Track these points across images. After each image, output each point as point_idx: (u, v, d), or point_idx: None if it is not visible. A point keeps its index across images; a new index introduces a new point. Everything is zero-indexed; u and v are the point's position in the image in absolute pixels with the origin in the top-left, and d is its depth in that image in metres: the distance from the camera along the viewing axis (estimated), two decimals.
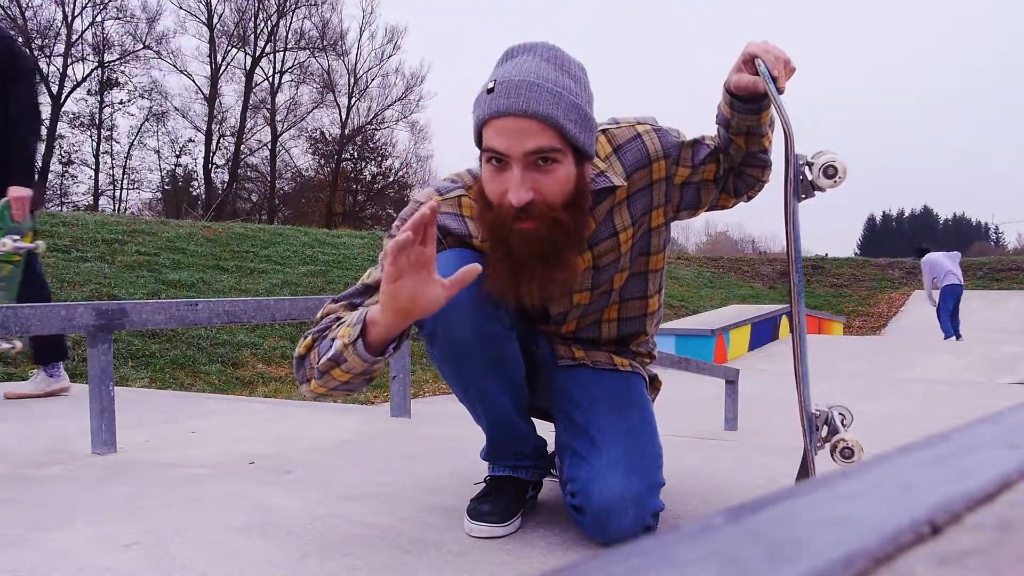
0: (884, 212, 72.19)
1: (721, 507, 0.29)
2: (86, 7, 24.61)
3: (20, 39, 22.38)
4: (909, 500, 0.29)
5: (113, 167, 27.26)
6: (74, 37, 24.57)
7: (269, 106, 28.25)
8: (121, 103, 26.41)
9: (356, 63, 28.98)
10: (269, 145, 28.38)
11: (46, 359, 3.45)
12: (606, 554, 0.25)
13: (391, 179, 29.66)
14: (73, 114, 25.53)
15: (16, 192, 2.98)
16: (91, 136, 26.12)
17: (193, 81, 27.23)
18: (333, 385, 1.31)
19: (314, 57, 28.16)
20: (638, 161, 1.45)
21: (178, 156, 28.60)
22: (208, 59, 26.91)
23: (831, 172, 1.35)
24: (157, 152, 28.32)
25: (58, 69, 24.51)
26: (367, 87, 29.19)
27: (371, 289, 1.37)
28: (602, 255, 1.47)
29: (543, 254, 1.30)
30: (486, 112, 1.27)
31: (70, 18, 24.41)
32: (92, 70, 25.42)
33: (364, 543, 1.40)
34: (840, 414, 1.38)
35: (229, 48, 27.34)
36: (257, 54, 27.49)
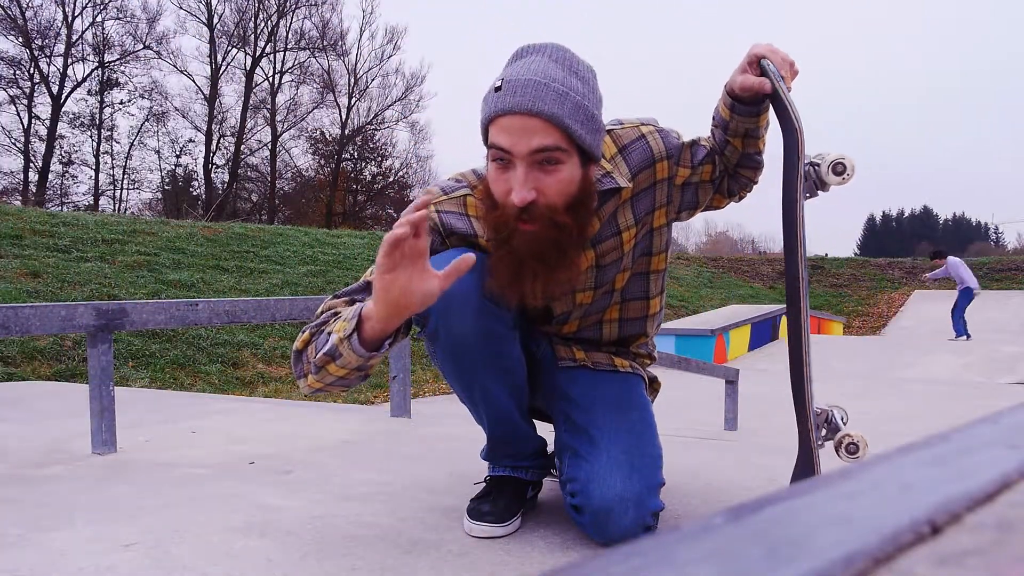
0: (884, 212, 72.24)
1: (721, 507, 0.29)
2: (86, 7, 24.64)
3: (21, 39, 22.46)
4: (909, 500, 0.29)
5: (113, 167, 27.30)
6: (74, 37, 24.58)
7: (269, 106, 28.27)
8: (121, 103, 26.45)
9: (356, 63, 29.01)
10: (269, 145, 28.40)
11: None
12: (606, 554, 0.25)
13: (391, 179, 29.68)
14: (73, 114, 25.58)
15: None
16: (91, 136, 26.15)
17: (193, 81, 27.28)
18: (329, 380, 1.30)
19: (314, 57, 28.18)
20: (643, 162, 1.45)
21: (178, 156, 28.63)
22: (208, 59, 26.93)
23: (839, 169, 1.35)
24: (157, 152, 28.37)
25: (58, 69, 24.55)
26: (367, 87, 29.23)
27: (372, 286, 1.37)
28: (605, 254, 1.48)
29: (545, 255, 1.30)
30: (492, 110, 1.27)
31: (70, 18, 24.44)
32: (92, 70, 25.45)
33: (364, 543, 1.40)
34: (840, 413, 1.38)
35: (229, 48, 27.36)
36: (257, 54, 27.50)
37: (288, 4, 27.40)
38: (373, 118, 29.46)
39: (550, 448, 1.64)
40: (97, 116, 26.01)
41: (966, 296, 12.06)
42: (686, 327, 10.25)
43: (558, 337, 1.59)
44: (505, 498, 1.50)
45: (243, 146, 27.78)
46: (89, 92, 25.72)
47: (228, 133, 28.14)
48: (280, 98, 28.40)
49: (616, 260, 1.49)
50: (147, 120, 27.00)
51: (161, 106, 27.07)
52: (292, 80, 28.56)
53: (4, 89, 23.72)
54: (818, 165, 1.38)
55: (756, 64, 1.37)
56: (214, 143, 27.69)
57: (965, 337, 12.05)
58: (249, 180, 29.12)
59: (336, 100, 28.91)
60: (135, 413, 2.92)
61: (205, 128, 27.41)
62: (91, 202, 25.76)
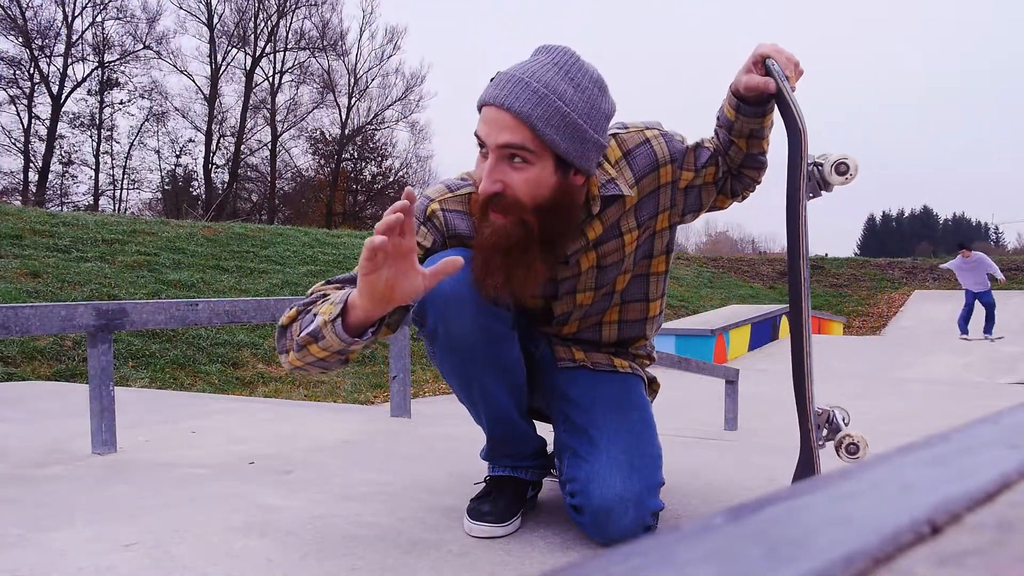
0: (884, 212, 72.24)
1: (721, 507, 0.29)
2: (86, 7, 24.64)
3: (21, 39, 22.45)
4: (909, 500, 0.29)
5: (113, 167, 27.29)
6: (74, 37, 24.58)
7: (269, 106, 28.26)
8: (121, 103, 26.44)
9: (356, 63, 29.01)
10: (269, 145, 28.40)
11: None
12: (606, 554, 0.25)
13: (391, 179, 29.65)
14: (73, 114, 25.57)
15: None
16: (91, 136, 26.14)
17: (193, 81, 27.27)
18: (310, 360, 1.31)
19: (314, 57, 28.18)
20: (647, 166, 1.46)
21: (178, 156, 28.63)
22: (208, 59, 26.93)
23: (843, 169, 1.36)
24: (157, 152, 28.36)
25: (58, 69, 24.55)
26: (367, 87, 29.22)
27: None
28: (606, 255, 1.48)
29: (506, 249, 1.31)
30: (480, 99, 1.31)
31: (70, 18, 24.44)
32: (92, 70, 25.45)
33: (364, 543, 1.40)
34: (841, 414, 1.38)
35: (229, 48, 27.35)
36: (257, 54, 27.50)
37: (288, 4, 27.40)
38: (373, 118, 29.48)
39: (550, 448, 1.64)
40: (97, 116, 26.01)
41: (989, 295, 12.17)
42: (686, 327, 10.25)
43: (557, 338, 1.59)
44: (505, 498, 1.50)
45: (243, 146, 27.79)
46: (89, 92, 25.74)
47: (228, 133, 28.17)
48: (280, 98, 28.44)
49: (617, 262, 1.49)
50: (147, 120, 27.02)
51: (161, 106, 27.09)
52: (292, 80, 28.58)
53: (4, 89, 23.75)
54: (821, 165, 1.38)
55: (761, 64, 1.37)
56: (214, 143, 27.70)
57: (967, 336, 12.13)
58: (249, 180, 29.12)
59: (336, 100, 28.93)
60: (135, 413, 2.92)
61: (205, 128, 27.42)
62: (91, 202, 25.77)
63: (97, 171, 26.34)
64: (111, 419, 2.23)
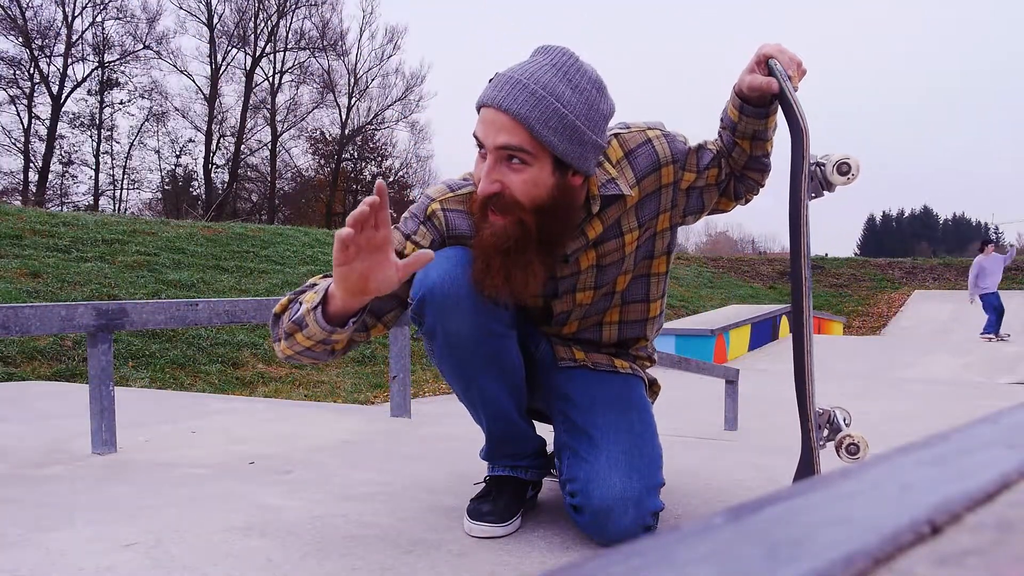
0: (884, 212, 72.27)
1: (721, 507, 0.29)
2: (86, 7, 24.63)
3: (21, 39, 22.44)
4: (909, 500, 0.29)
5: (113, 167, 27.30)
6: (74, 37, 24.58)
7: (269, 106, 28.26)
8: (121, 103, 26.44)
9: (356, 63, 29.01)
10: (269, 145, 28.40)
11: None
12: (606, 554, 0.25)
13: (391, 179, 29.64)
14: (73, 114, 25.57)
15: None
16: (91, 136, 26.14)
17: (193, 81, 27.28)
18: (298, 349, 1.35)
19: (314, 57, 28.18)
20: (649, 166, 1.45)
21: (178, 156, 28.63)
22: (208, 59, 26.93)
23: (844, 169, 1.35)
24: (157, 152, 28.37)
25: (58, 69, 24.55)
26: (367, 87, 29.22)
27: None
28: (606, 254, 1.48)
29: (505, 249, 1.31)
30: (479, 100, 1.32)
31: (70, 18, 24.43)
32: (92, 70, 25.45)
33: (364, 543, 1.40)
34: (842, 414, 1.38)
35: (229, 48, 27.36)
36: (257, 54, 27.50)
37: (288, 4, 27.40)
38: (373, 118, 29.48)
39: (550, 448, 1.63)
40: (97, 116, 26.01)
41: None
42: (686, 327, 10.24)
43: (558, 338, 1.58)
44: (505, 498, 1.50)
45: (243, 146, 27.79)
46: (89, 92, 25.73)
47: (228, 133, 28.17)
48: (280, 98, 28.43)
49: (617, 261, 1.49)
50: (147, 120, 27.02)
51: (161, 106, 27.09)
52: (292, 80, 28.58)
53: (4, 89, 23.74)
54: (823, 165, 1.38)
55: (764, 64, 1.37)
56: (214, 143, 27.70)
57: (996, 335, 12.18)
58: (249, 180, 29.12)
59: (336, 100, 28.93)
60: (135, 413, 2.92)
61: (205, 128, 27.42)
62: (91, 202, 25.76)
63: (97, 171, 26.36)
64: (111, 419, 2.23)
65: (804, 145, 1.34)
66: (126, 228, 10.17)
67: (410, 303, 1.37)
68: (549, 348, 1.58)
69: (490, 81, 1.31)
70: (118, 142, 27.46)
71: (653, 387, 1.70)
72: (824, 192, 1.39)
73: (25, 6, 23.20)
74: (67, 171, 26.09)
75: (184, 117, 27.65)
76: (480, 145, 1.32)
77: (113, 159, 27.20)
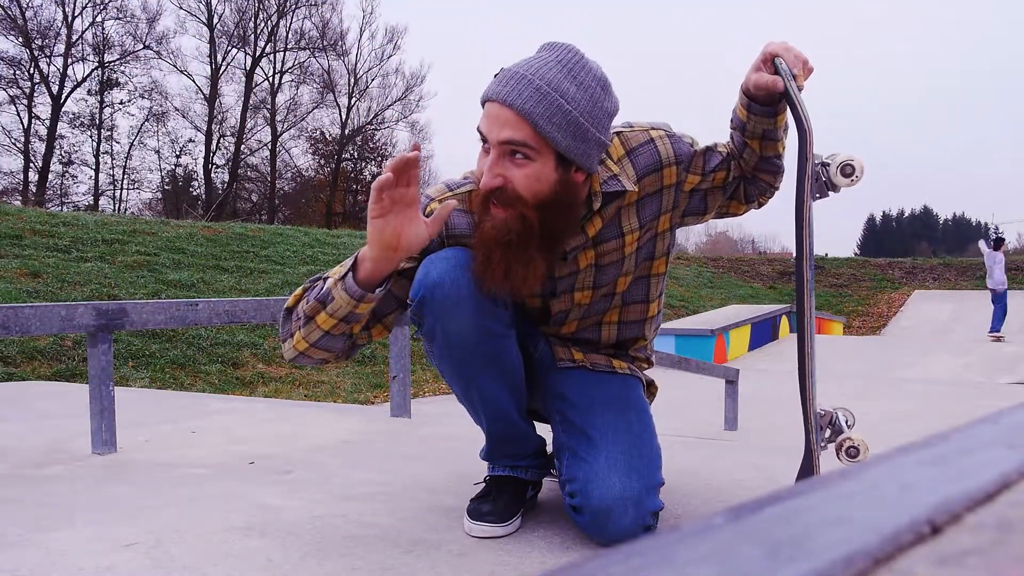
0: (884, 212, 72.28)
1: (721, 507, 0.29)
2: (86, 7, 24.64)
3: (21, 39, 22.44)
4: (909, 500, 0.29)
5: (113, 167, 27.30)
6: (74, 37, 24.58)
7: (269, 106, 28.27)
8: (121, 103, 26.45)
9: (356, 63, 29.02)
10: (269, 145, 28.40)
11: None
12: (606, 554, 0.25)
13: None
14: (73, 114, 25.57)
15: None
16: (91, 136, 26.15)
17: (193, 81, 27.28)
18: (315, 337, 1.36)
19: (314, 57, 28.18)
20: (649, 165, 1.45)
21: (178, 156, 28.64)
22: (208, 59, 26.94)
23: (848, 171, 1.35)
24: (157, 152, 28.37)
25: (58, 69, 24.55)
26: (367, 87, 29.23)
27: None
28: (605, 254, 1.47)
29: (505, 242, 1.31)
30: (484, 94, 1.33)
31: (70, 18, 24.44)
32: (92, 70, 25.45)
33: (364, 543, 1.40)
34: (844, 415, 1.38)
35: (229, 48, 27.36)
36: (257, 54, 27.50)
37: (288, 4, 27.41)
38: (373, 118, 29.48)
39: (549, 448, 1.63)
40: (97, 116, 26.01)
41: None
42: (686, 327, 10.24)
43: (556, 338, 1.58)
44: (505, 498, 1.50)
45: (243, 146, 27.79)
46: (89, 92, 25.74)
47: (228, 133, 28.17)
48: (280, 98, 28.44)
49: (616, 261, 1.49)
50: (147, 120, 27.03)
51: (161, 106, 27.10)
52: (292, 80, 28.59)
53: (4, 89, 23.75)
54: (828, 166, 1.37)
55: (770, 62, 1.36)
56: (214, 143, 27.70)
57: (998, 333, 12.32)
58: (249, 180, 29.12)
59: (336, 100, 28.94)
60: (135, 413, 2.92)
61: (205, 128, 27.42)
62: (91, 202, 25.76)
63: (97, 171, 26.36)
64: (111, 419, 2.23)
65: (807, 145, 1.34)
66: (126, 228, 10.17)
67: (410, 304, 1.37)
68: (548, 348, 1.58)
69: (495, 76, 1.31)
70: (118, 142, 27.50)
71: (650, 388, 1.70)
72: (829, 193, 1.39)
73: (25, 6, 23.21)
74: (67, 171, 26.12)
75: (184, 117, 27.69)
76: (484, 139, 1.32)
77: (113, 159, 27.23)
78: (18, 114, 24.45)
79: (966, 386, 7.89)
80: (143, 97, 26.51)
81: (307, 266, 10.40)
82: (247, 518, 1.55)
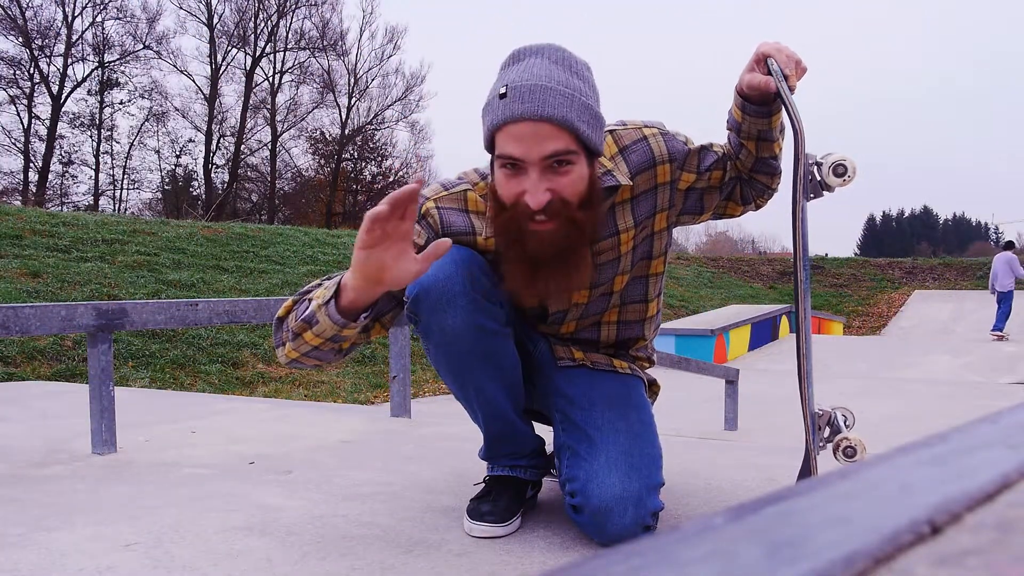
0: (884, 212, 72.26)
1: (721, 507, 0.29)
2: (86, 7, 24.62)
3: (21, 39, 22.44)
4: (909, 500, 0.29)
5: (113, 167, 27.28)
6: (74, 37, 24.57)
7: (269, 106, 28.25)
8: (121, 103, 26.43)
9: (356, 63, 29.00)
10: (269, 145, 28.38)
11: None
12: (606, 554, 0.25)
13: (391, 179, 29.64)
14: (73, 114, 25.56)
15: None
16: (91, 136, 26.13)
17: (193, 81, 27.26)
18: (305, 350, 1.34)
19: (314, 57, 28.16)
20: (642, 163, 1.45)
21: (178, 156, 28.62)
22: (208, 59, 26.92)
23: (840, 171, 1.35)
24: (157, 152, 28.35)
25: (58, 69, 24.54)
26: (367, 87, 29.21)
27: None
28: (600, 253, 1.47)
29: (560, 254, 1.31)
30: (501, 117, 1.26)
31: (70, 18, 24.43)
32: (92, 70, 25.44)
33: (364, 543, 1.40)
34: (843, 415, 1.38)
35: (229, 48, 27.34)
36: (257, 54, 27.49)
37: (288, 4, 27.39)
38: (373, 118, 29.47)
39: (549, 448, 1.63)
40: (97, 116, 26.00)
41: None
42: (686, 327, 10.24)
43: (556, 337, 1.58)
44: (505, 498, 1.50)
45: (243, 146, 27.78)
46: (89, 92, 25.72)
47: (228, 133, 28.15)
48: (280, 98, 28.42)
49: (612, 260, 1.49)
50: (147, 120, 27.01)
51: (161, 106, 27.08)
52: (292, 80, 28.57)
53: (4, 89, 23.74)
54: (821, 166, 1.37)
55: (763, 62, 1.36)
56: (214, 143, 27.69)
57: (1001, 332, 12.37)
58: (249, 180, 29.11)
59: (336, 100, 28.92)
60: (135, 413, 2.92)
61: (205, 128, 27.41)
62: (91, 202, 25.76)
63: (97, 171, 26.35)
64: (111, 419, 2.23)
65: (799, 145, 1.34)
66: (126, 228, 10.17)
67: (405, 301, 1.37)
68: (547, 348, 1.57)
69: (503, 97, 1.26)
70: (118, 142, 27.49)
71: (652, 387, 1.70)
72: (824, 192, 1.39)
73: (25, 6, 23.20)
74: (67, 171, 26.10)
75: (184, 117, 27.66)
76: (512, 163, 1.28)
77: (113, 159, 27.22)
78: (18, 114, 24.46)
79: (966, 386, 7.89)
80: (143, 97, 26.52)
81: (307, 266, 10.40)
82: (247, 518, 1.55)
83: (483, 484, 1.58)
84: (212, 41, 26.83)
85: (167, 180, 29.01)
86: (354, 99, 28.95)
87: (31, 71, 24.13)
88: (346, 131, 29.06)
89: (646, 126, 1.48)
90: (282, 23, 27.61)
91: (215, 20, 26.90)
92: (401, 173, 29.84)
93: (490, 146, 1.32)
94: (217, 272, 9.25)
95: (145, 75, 26.46)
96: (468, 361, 1.39)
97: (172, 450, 2.29)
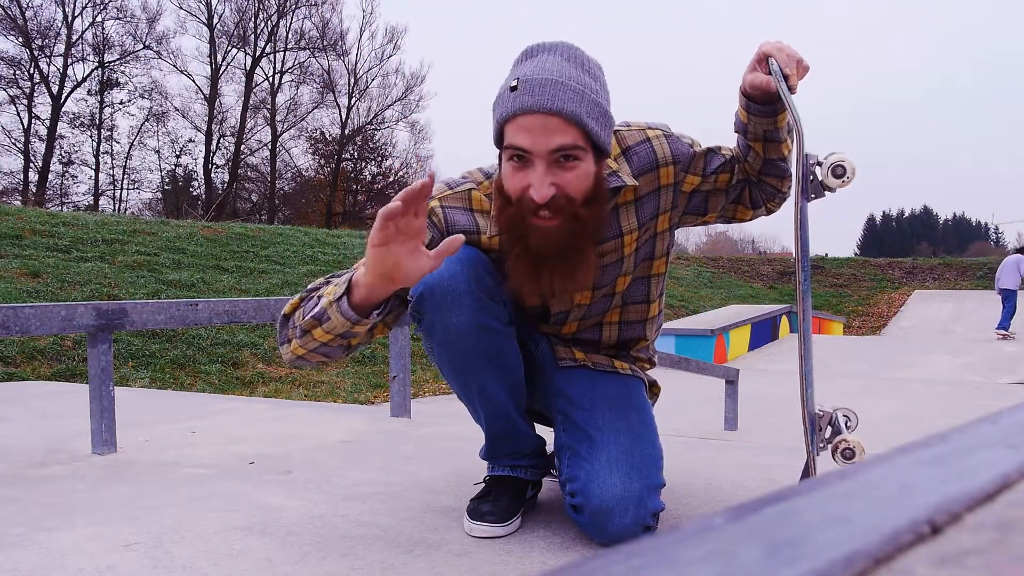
0: (884, 212, 72.26)
1: (721, 507, 0.29)
2: (86, 7, 24.63)
3: (21, 39, 22.44)
4: (909, 500, 0.29)
5: (113, 167, 27.29)
6: (74, 37, 24.58)
7: (269, 106, 28.26)
8: (121, 103, 26.44)
9: (356, 63, 29.01)
10: (269, 145, 28.39)
11: None
12: (606, 554, 0.25)
13: (391, 179, 29.64)
14: (73, 114, 25.57)
15: None
16: (91, 136, 26.14)
17: (193, 81, 27.28)
18: (312, 347, 1.33)
19: (314, 57, 28.17)
20: (645, 165, 1.45)
21: (178, 156, 28.63)
22: (208, 59, 26.93)
23: (839, 172, 1.35)
24: (157, 152, 28.36)
25: (58, 69, 24.55)
26: (367, 87, 29.22)
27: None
28: (604, 254, 1.47)
29: (563, 250, 1.31)
30: (511, 109, 1.27)
31: (70, 18, 24.44)
32: (92, 70, 25.45)
33: (364, 543, 1.40)
34: (844, 416, 1.37)
35: (229, 48, 27.35)
36: (257, 54, 27.49)
37: (288, 4, 27.40)
38: (373, 118, 29.47)
39: (549, 448, 1.63)
40: (97, 116, 26.01)
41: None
42: (686, 327, 10.24)
43: (557, 338, 1.58)
44: (505, 498, 1.50)
45: (243, 146, 27.79)
46: (89, 92, 25.73)
47: (228, 133, 28.16)
48: (280, 98, 28.43)
49: (616, 261, 1.49)
50: (147, 120, 27.02)
51: (161, 106, 27.09)
52: (292, 80, 28.58)
53: (4, 89, 23.75)
54: (820, 166, 1.37)
55: (765, 62, 1.36)
56: (214, 143, 27.70)
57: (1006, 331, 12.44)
58: (249, 180, 29.11)
59: (336, 100, 28.92)
60: (135, 413, 2.92)
61: (205, 128, 27.42)
62: (91, 202, 25.76)
63: (97, 171, 26.36)
64: (111, 419, 2.23)
65: (799, 145, 1.34)
66: (126, 228, 10.17)
67: (409, 300, 1.37)
68: (549, 348, 1.57)
69: (514, 89, 1.27)
70: (118, 142, 27.50)
71: (653, 388, 1.70)
72: (824, 193, 1.39)
73: (25, 6, 23.21)
74: (67, 171, 26.12)
75: (184, 117, 27.68)
76: (520, 155, 1.28)
77: (113, 159, 27.22)
78: (18, 114, 24.47)
79: (966, 386, 7.89)
80: (143, 97, 26.53)
81: (307, 266, 10.40)
82: (247, 518, 1.55)
83: (483, 484, 1.58)
84: (212, 41, 26.85)
85: (167, 180, 29.03)
86: (354, 99, 28.98)
87: (31, 71, 24.14)
88: (346, 131, 29.07)
89: (650, 128, 1.48)
90: (282, 23, 27.63)
91: (215, 20, 26.92)
92: (401, 173, 29.86)
93: (499, 139, 1.33)
94: (217, 272, 9.25)
95: (145, 75, 26.51)
96: (471, 360, 1.39)
97: (172, 450, 2.29)
